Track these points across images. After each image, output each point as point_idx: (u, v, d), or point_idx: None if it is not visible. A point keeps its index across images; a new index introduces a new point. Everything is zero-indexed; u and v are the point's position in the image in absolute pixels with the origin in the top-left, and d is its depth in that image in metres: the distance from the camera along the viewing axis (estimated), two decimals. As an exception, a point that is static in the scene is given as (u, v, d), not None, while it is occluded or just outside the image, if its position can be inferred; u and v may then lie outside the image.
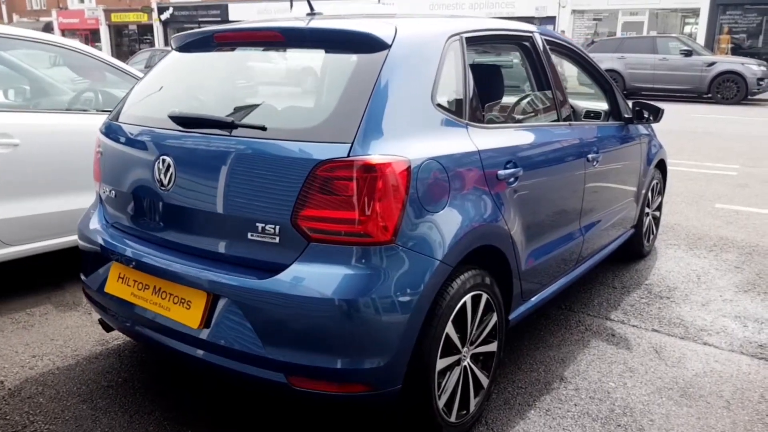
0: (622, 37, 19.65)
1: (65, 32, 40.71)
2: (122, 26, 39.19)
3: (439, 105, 2.17)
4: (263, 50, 2.33)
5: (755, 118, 12.90)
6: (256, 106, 2.13)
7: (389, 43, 2.07)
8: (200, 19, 32.56)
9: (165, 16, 35.20)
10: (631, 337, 3.11)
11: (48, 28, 40.51)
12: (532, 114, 2.95)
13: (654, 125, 4.04)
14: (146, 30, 36.75)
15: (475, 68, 2.72)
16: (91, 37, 40.45)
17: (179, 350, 2.08)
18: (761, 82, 15.05)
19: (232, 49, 2.38)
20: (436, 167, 2.02)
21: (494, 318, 2.38)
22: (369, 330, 1.86)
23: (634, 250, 4.18)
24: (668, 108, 15.10)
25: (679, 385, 2.67)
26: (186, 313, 2.04)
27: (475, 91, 2.39)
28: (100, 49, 39.26)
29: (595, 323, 3.28)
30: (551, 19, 23.15)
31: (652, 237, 4.37)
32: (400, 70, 2.06)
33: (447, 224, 2.03)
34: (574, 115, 3.81)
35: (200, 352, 2.02)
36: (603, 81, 3.56)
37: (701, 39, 21.01)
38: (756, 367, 2.83)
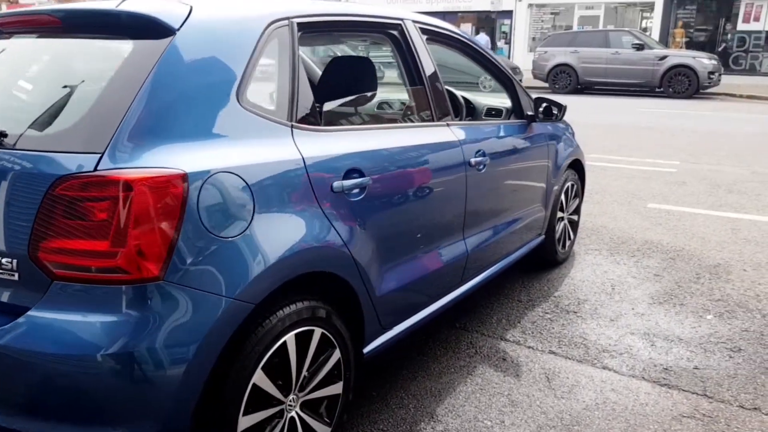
0: (575, 31, 19.53)
1: (16, 26, 39.16)
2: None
3: (249, 104, 1.79)
4: (40, 37, 1.91)
5: (704, 112, 12.85)
6: (11, 106, 1.71)
7: (176, 27, 1.68)
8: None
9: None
10: (523, 362, 2.78)
11: (-4, 21, 38.97)
12: (398, 114, 2.59)
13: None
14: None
15: (334, 61, 2.35)
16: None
17: None
18: (712, 76, 15.03)
19: (9, 37, 1.96)
20: (231, 181, 1.64)
21: (337, 355, 2.02)
22: (125, 393, 1.47)
23: (547, 257, 3.86)
24: (618, 102, 15.01)
25: (564, 422, 2.34)
26: None
27: (311, 87, 2.02)
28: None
29: (487, 345, 2.94)
30: (508, 13, 22.99)
31: (568, 243, 4.06)
32: (188, 61, 1.66)
33: (247, 252, 1.65)
34: (474, 113, 3.48)
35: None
36: (501, 75, 3.21)
37: (656, 33, 21.07)
38: (655, 396, 2.52)
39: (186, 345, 1.52)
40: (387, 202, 2.18)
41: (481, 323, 3.17)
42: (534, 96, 3.37)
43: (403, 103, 2.61)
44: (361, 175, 2.05)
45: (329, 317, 1.95)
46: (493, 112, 3.48)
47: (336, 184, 1.94)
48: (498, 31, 23.99)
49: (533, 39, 23.02)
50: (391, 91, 2.76)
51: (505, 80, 3.24)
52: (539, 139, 3.38)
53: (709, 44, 20.75)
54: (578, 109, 12.92)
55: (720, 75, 15.45)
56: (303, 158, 1.85)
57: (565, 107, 3.33)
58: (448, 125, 2.61)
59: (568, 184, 3.87)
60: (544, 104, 3.36)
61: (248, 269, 1.63)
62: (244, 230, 1.64)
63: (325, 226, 1.89)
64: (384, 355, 2.53)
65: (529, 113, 3.31)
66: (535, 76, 16.98)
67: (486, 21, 24.00)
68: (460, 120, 3.45)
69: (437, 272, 2.54)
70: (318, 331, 1.92)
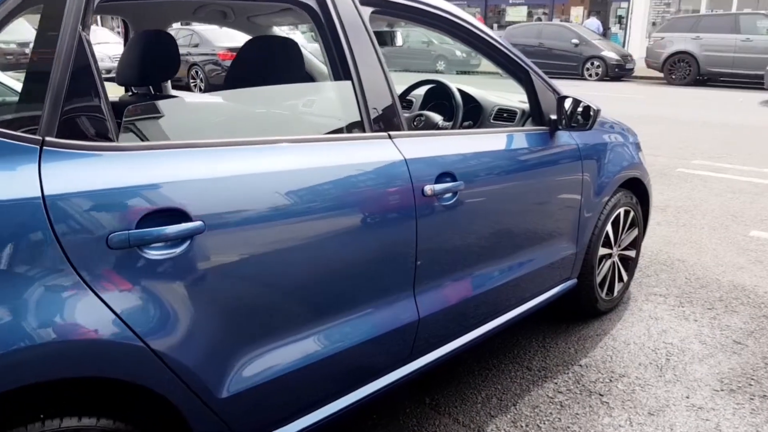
0: (698, 14, 17.24)
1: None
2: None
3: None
4: None
5: None
6: None
7: None
8: None
9: None
10: (494, 478, 1.94)
11: None
12: (308, 122, 1.82)
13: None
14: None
15: (249, 43, 1.62)
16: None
17: None
18: None
19: None
20: None
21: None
22: None
23: (583, 306, 2.93)
24: (745, 97, 12.96)
25: None
26: None
27: (98, 78, 1.32)
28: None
29: (456, 440, 2.12)
30: (624, -5, 20.88)
31: (618, 287, 3.08)
32: None
33: None
34: (478, 116, 2.62)
35: None
36: (510, 63, 2.33)
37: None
38: None
39: None
40: (247, 259, 1.44)
41: (461, 401, 2.34)
42: (561, 95, 2.45)
43: (316, 106, 1.84)
44: (185, 218, 1.33)
45: (114, 437, 1.27)
46: (505, 115, 2.61)
47: (117, 236, 1.23)
48: (613, 15, 21.91)
49: (653, 24, 20.77)
50: (308, 90, 2.01)
51: (517, 71, 2.36)
52: (566, 154, 2.46)
53: None
54: (691, 104, 11.23)
55: None
56: (44, 196, 1.16)
57: (598, 111, 2.38)
58: (390, 137, 1.81)
59: (620, 210, 2.90)
60: (580, 106, 2.43)
61: None
62: None
63: (82, 308, 1.19)
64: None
65: (552, 117, 2.41)
66: (649, 65, 15.13)
67: (600, 4, 21.99)
68: (455, 126, 2.62)
69: (358, 349, 1.76)
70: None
